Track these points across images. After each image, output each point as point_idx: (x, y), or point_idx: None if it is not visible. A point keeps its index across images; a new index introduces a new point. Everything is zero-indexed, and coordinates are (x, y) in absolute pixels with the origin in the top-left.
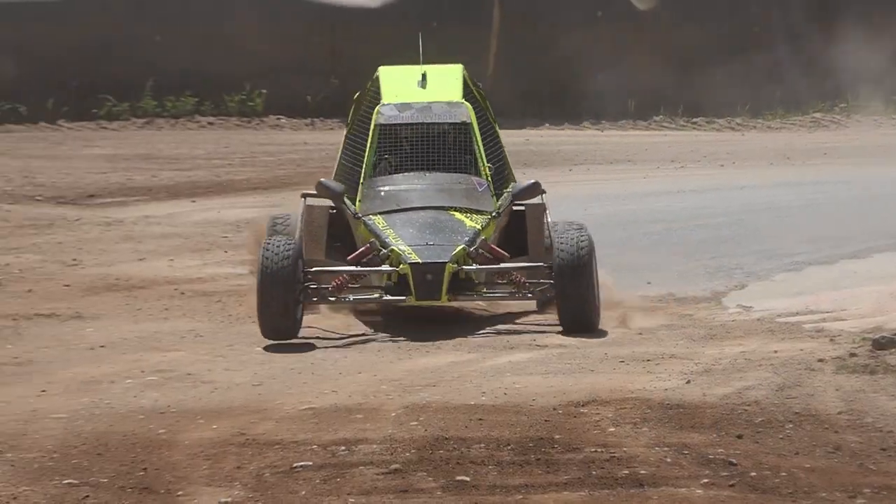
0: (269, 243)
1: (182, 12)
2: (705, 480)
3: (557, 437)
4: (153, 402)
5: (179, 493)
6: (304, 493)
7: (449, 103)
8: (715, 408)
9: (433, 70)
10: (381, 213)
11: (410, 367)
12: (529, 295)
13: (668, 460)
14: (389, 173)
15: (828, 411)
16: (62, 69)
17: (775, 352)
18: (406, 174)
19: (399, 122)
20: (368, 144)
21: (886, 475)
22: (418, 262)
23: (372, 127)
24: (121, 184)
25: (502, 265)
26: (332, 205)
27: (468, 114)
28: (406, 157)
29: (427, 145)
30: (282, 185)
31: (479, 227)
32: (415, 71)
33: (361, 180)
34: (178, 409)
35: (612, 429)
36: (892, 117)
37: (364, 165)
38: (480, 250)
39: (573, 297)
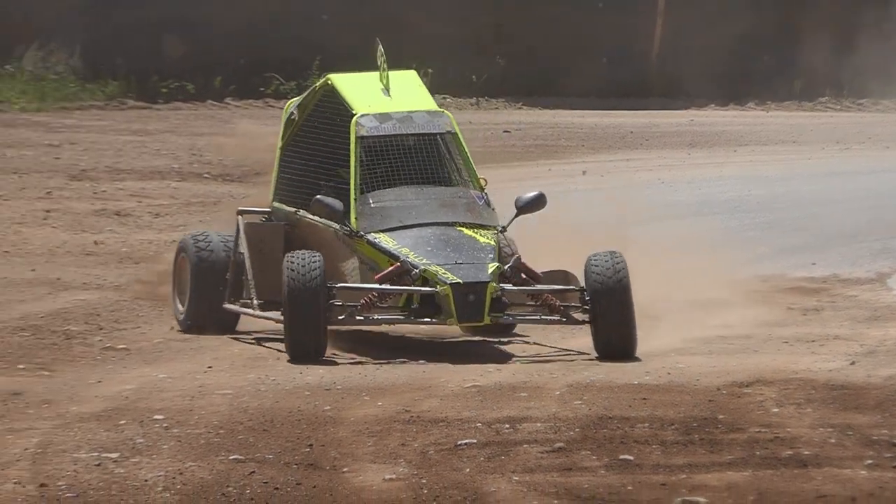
0: (293, 257)
1: None
2: (869, 462)
3: (721, 417)
4: (318, 379)
5: (345, 469)
6: (468, 470)
7: (430, 112)
8: (879, 389)
9: (391, 77)
10: (384, 231)
11: (575, 347)
12: (564, 319)
13: (832, 441)
14: (380, 188)
15: None
16: (230, 47)
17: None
18: (401, 189)
19: (382, 133)
20: (352, 159)
21: None
22: (460, 283)
23: (353, 140)
24: None
25: (538, 287)
26: (286, 222)
27: (451, 123)
28: (393, 170)
29: (416, 157)
30: None
31: (493, 243)
32: (371, 78)
33: (354, 196)
34: (344, 386)
35: (776, 409)
36: None
37: (352, 181)
38: (515, 269)
39: (609, 323)
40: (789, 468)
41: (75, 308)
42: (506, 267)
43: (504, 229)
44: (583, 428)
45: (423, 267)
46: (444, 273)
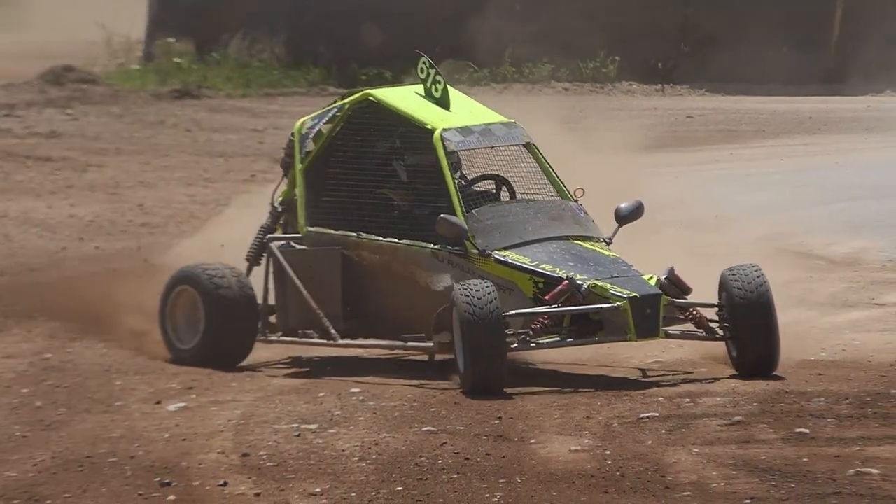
0: (465, 287)
1: None
2: None
3: (893, 391)
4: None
5: (532, 440)
6: (650, 442)
7: (505, 124)
8: None
9: (442, 89)
10: (508, 248)
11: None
12: (709, 335)
13: None
14: (479, 205)
15: None
16: (425, 35)
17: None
18: (504, 204)
19: (469, 147)
20: (447, 175)
21: None
22: (637, 297)
23: (441, 155)
24: None
25: (687, 300)
26: (340, 245)
27: (527, 133)
28: (503, 185)
29: (517, 170)
30: (639, 148)
31: (615, 255)
32: (415, 92)
33: (461, 214)
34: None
35: None
36: None
37: (454, 198)
38: (671, 280)
39: (752, 341)
40: None
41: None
42: (663, 278)
43: (610, 241)
44: (760, 402)
45: (590, 283)
46: (616, 288)
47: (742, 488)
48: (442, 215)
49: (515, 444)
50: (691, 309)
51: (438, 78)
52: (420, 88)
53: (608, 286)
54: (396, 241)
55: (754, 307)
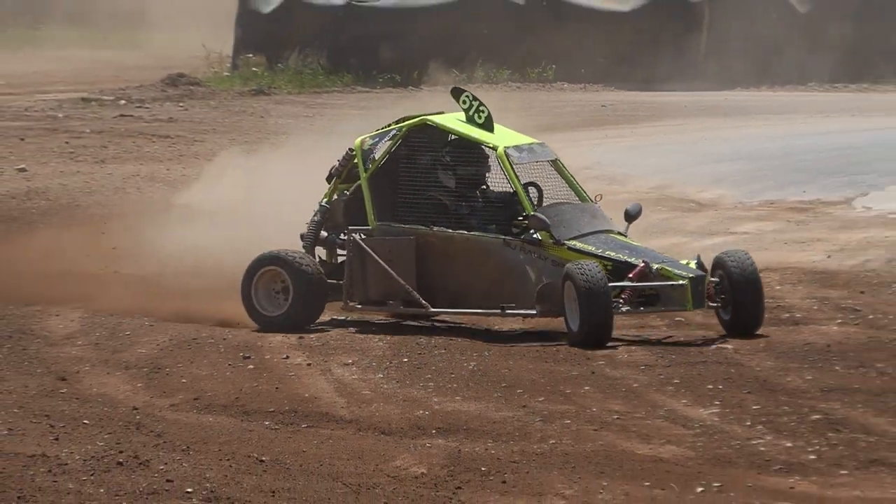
0: (580, 267)
1: None
2: (839, 321)
3: None
4: None
5: (496, 327)
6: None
7: (539, 144)
8: (846, 273)
9: (483, 116)
10: (574, 239)
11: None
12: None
13: (815, 308)
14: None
15: None
16: (423, 51)
17: (886, 237)
18: (561, 206)
19: (525, 161)
20: (516, 183)
21: None
22: (693, 277)
23: (509, 168)
24: None
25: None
26: (413, 235)
27: (553, 151)
28: (534, 190)
29: (549, 180)
30: (569, 128)
31: (642, 245)
32: (461, 118)
33: (532, 213)
34: None
35: (778, 287)
36: None
37: (525, 201)
38: (699, 265)
39: (746, 308)
40: (787, 325)
41: None
42: (695, 263)
43: (625, 234)
44: None
45: (658, 265)
46: (678, 271)
47: (639, 358)
48: (532, 213)
49: (483, 333)
50: (709, 286)
51: (482, 108)
52: (461, 115)
53: (671, 269)
54: (465, 231)
55: (749, 283)
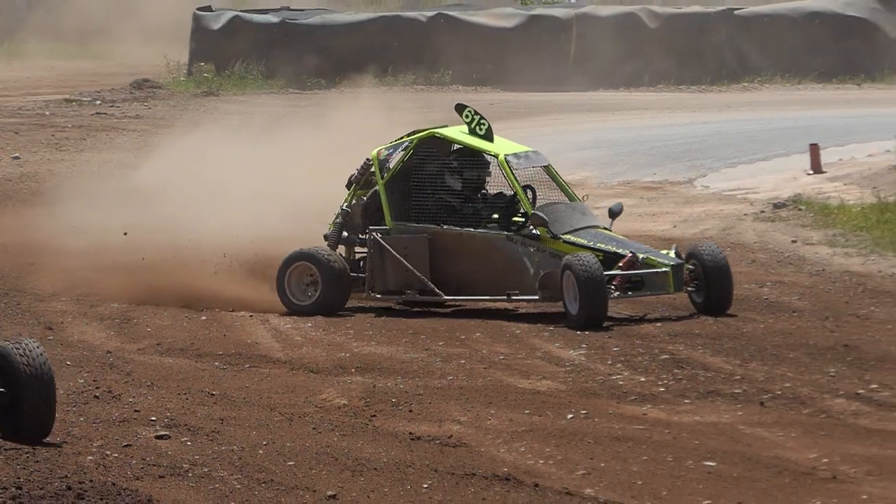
0: (578, 258)
1: None
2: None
3: None
4: None
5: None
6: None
7: (534, 152)
8: (689, 239)
9: (484, 128)
10: (569, 233)
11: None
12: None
13: None
14: (536, 206)
15: (748, 242)
16: (345, 61)
17: (721, 210)
18: (556, 205)
19: (522, 167)
20: (516, 186)
21: (780, 275)
22: (674, 265)
23: (509, 173)
24: None
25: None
26: (426, 233)
27: (546, 158)
28: (533, 192)
29: (543, 183)
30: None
31: (623, 237)
32: (465, 131)
33: (533, 211)
34: None
35: None
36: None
37: (525, 202)
38: (677, 253)
39: (718, 292)
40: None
41: None
42: (673, 252)
43: (609, 229)
44: None
45: (643, 255)
46: (660, 259)
47: (522, 312)
48: (533, 211)
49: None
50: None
51: (483, 121)
52: (464, 128)
53: (655, 258)
54: (473, 229)
55: (721, 270)
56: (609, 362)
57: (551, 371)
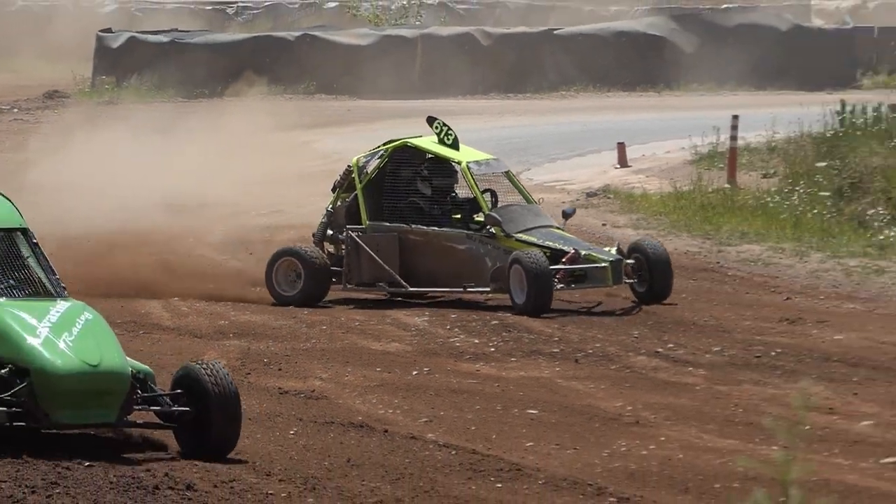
0: (527, 254)
1: None
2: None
3: None
4: None
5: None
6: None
7: (494, 158)
8: None
9: (453, 137)
10: (521, 232)
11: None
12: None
13: None
14: (493, 208)
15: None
16: (240, 66)
17: (543, 198)
18: (511, 207)
19: (483, 172)
20: (475, 190)
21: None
22: (613, 260)
23: (470, 178)
24: None
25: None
26: (396, 232)
27: (506, 164)
28: (490, 195)
29: (502, 187)
30: (315, 126)
31: (575, 237)
32: (434, 140)
33: (486, 212)
34: None
35: None
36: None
37: (482, 203)
38: (619, 250)
39: (661, 282)
40: None
41: None
42: (615, 250)
43: (562, 228)
44: None
45: (585, 252)
46: (600, 255)
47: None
48: (487, 212)
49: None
50: (626, 266)
51: (450, 132)
52: (434, 138)
53: (595, 254)
54: (437, 228)
55: (662, 262)
56: (448, 327)
57: (399, 335)
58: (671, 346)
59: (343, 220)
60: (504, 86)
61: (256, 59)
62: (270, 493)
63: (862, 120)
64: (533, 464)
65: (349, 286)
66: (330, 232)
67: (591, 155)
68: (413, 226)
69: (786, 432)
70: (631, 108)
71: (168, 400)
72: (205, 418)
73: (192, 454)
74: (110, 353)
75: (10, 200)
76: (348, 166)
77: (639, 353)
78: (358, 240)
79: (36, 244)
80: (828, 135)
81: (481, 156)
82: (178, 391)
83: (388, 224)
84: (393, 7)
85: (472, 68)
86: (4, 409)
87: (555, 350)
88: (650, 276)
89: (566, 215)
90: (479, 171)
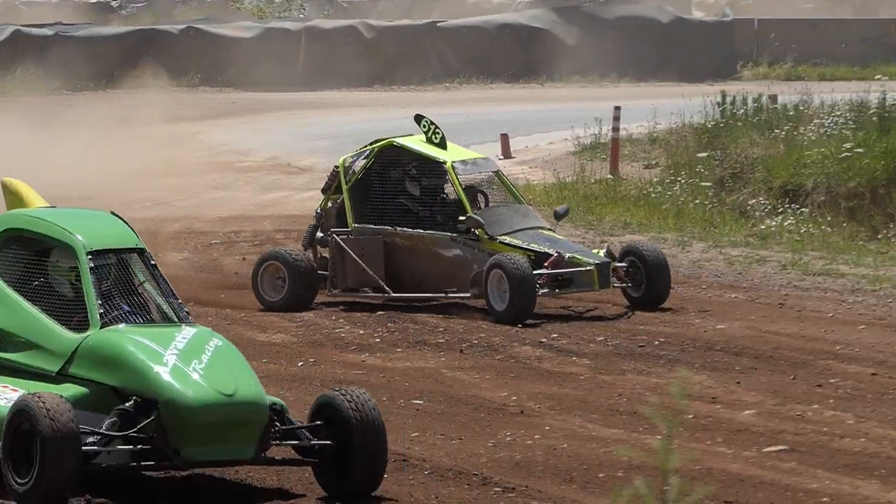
0: (510, 258)
1: None
2: None
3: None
4: None
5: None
6: None
7: (483, 158)
8: None
9: (441, 136)
10: (506, 234)
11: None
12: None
13: None
14: (477, 209)
15: None
16: (136, 58)
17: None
18: (497, 208)
19: (469, 173)
20: (458, 191)
21: None
22: (599, 263)
23: (454, 178)
24: None
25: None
26: (381, 235)
27: (496, 164)
28: (476, 197)
29: (490, 188)
30: (206, 118)
31: (565, 239)
32: (422, 139)
33: (470, 214)
34: None
35: None
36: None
37: (466, 204)
38: (607, 253)
39: (659, 284)
40: None
41: None
42: (604, 252)
43: (553, 230)
44: None
45: (569, 255)
46: (586, 258)
47: None
48: (468, 214)
49: None
50: (618, 269)
51: (438, 130)
52: (422, 137)
53: (580, 257)
54: (422, 230)
55: (661, 266)
56: (333, 318)
57: (285, 326)
58: (555, 336)
59: (334, 222)
60: (388, 78)
61: (141, 52)
62: None
63: (742, 111)
64: (419, 454)
65: (334, 291)
66: (320, 234)
67: (474, 146)
68: (398, 228)
69: (665, 421)
70: (514, 100)
71: (307, 433)
72: (347, 452)
73: (332, 493)
74: (246, 382)
75: (123, 219)
76: (335, 167)
77: (523, 343)
78: (342, 244)
79: (154, 266)
80: (709, 126)
81: (469, 155)
82: (318, 423)
83: (373, 227)
84: (276, 0)
85: (356, 61)
86: (130, 446)
87: (440, 340)
88: (647, 280)
89: (558, 216)
90: (466, 170)
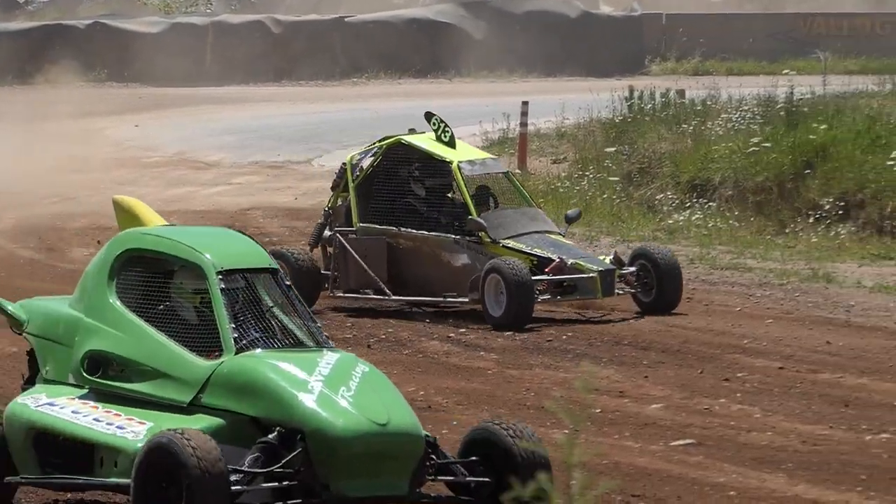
0: (508, 262)
1: None
2: (303, 242)
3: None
4: None
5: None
6: None
7: (492, 158)
8: (308, 210)
9: (451, 135)
10: (510, 238)
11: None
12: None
13: (286, 234)
14: (483, 211)
15: None
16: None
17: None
18: (503, 210)
19: (476, 173)
20: (464, 193)
21: None
22: (603, 270)
23: (459, 179)
24: None
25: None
26: (385, 235)
27: (505, 164)
28: (487, 198)
29: (497, 188)
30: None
31: (572, 244)
32: (431, 138)
33: (473, 216)
34: None
35: (262, 220)
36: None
37: (470, 206)
38: (615, 259)
39: (670, 291)
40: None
41: None
42: (611, 259)
43: (563, 234)
44: None
45: (573, 261)
46: (590, 265)
47: None
48: (469, 217)
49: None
50: (627, 275)
51: (447, 129)
52: (431, 135)
53: (584, 263)
54: (426, 232)
55: (673, 270)
56: None
57: None
58: (463, 331)
59: (343, 221)
60: (295, 73)
61: (47, 48)
62: None
63: (650, 106)
64: None
65: (336, 293)
66: (328, 233)
67: None
68: (402, 229)
69: (569, 415)
70: (422, 95)
71: (462, 469)
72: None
73: None
74: (399, 411)
75: (253, 239)
76: (342, 164)
77: (431, 338)
78: (345, 243)
79: (289, 286)
80: (617, 121)
81: (477, 155)
82: (474, 458)
83: (378, 226)
84: None
85: (264, 56)
86: (275, 483)
87: (348, 336)
88: (659, 284)
89: (569, 219)
90: (473, 171)
